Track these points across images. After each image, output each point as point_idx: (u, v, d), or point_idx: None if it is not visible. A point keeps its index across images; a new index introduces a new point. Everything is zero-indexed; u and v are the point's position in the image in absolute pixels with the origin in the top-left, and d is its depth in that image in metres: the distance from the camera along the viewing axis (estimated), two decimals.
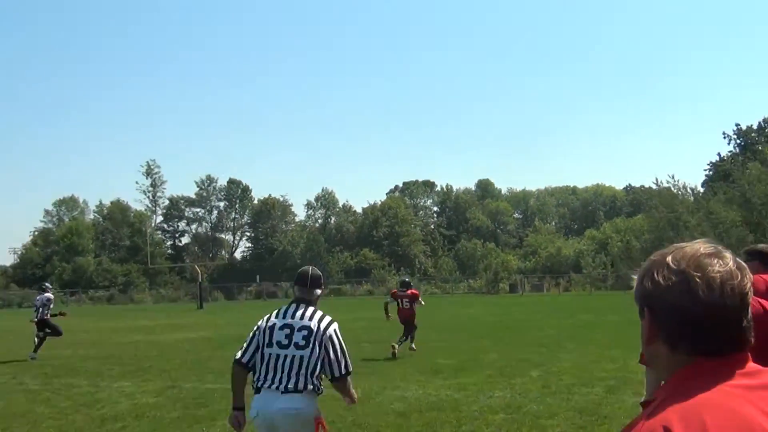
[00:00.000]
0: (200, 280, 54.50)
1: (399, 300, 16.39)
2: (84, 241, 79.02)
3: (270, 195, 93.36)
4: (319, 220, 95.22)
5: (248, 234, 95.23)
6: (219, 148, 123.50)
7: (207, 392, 11.69)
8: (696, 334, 1.37)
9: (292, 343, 4.86)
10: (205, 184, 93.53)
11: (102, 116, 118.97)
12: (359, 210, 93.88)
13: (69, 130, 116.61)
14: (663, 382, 1.44)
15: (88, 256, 77.34)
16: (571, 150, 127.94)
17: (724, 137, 73.22)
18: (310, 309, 5.02)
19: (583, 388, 10.94)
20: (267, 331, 4.94)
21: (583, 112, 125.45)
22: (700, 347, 1.37)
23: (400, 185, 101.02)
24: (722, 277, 1.36)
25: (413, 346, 16.09)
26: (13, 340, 23.82)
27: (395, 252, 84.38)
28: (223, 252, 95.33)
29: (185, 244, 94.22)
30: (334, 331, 4.98)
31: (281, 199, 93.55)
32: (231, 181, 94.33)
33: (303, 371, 4.79)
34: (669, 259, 1.41)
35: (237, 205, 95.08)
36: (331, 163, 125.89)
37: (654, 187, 72.83)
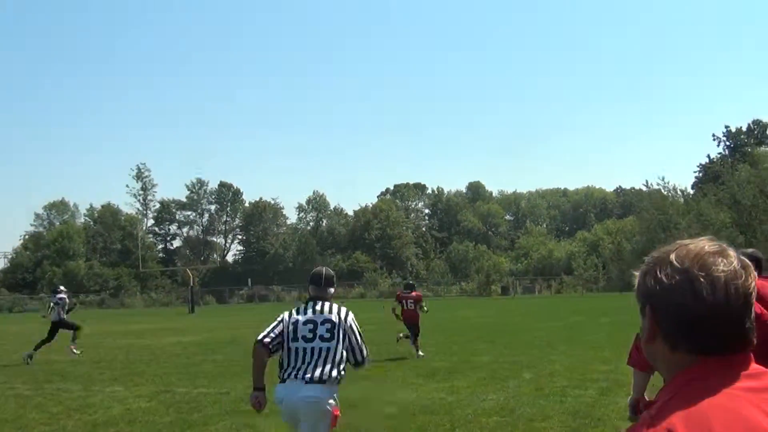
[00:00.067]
0: (192, 283, 54.33)
1: (404, 301, 16.90)
2: (75, 245, 78.72)
3: (261, 198, 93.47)
4: (311, 223, 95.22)
5: (240, 237, 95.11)
6: (210, 151, 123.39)
7: (199, 396, 11.64)
8: (698, 333, 1.34)
9: (317, 336, 5.22)
10: (196, 188, 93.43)
11: (92, 120, 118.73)
12: (351, 213, 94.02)
13: (59, 134, 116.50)
14: (665, 382, 1.41)
15: (79, 260, 77.02)
16: (561, 152, 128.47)
17: (714, 139, 73.74)
18: (327, 304, 5.41)
19: (576, 390, 10.95)
20: (291, 327, 5.28)
21: (574, 114, 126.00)
22: (701, 347, 1.35)
23: (391, 188, 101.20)
24: (726, 276, 1.33)
25: (420, 353, 16.24)
26: (4, 344, 23.62)
27: (387, 254, 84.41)
28: (215, 255, 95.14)
29: (176, 247, 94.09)
30: (353, 319, 5.41)
31: (272, 202, 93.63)
32: (222, 184, 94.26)
33: (330, 362, 5.15)
34: (672, 257, 1.38)
35: (228, 208, 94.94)
36: (322, 166, 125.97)
37: (644, 189, 73.22)
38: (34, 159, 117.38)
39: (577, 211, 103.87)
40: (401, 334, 16.96)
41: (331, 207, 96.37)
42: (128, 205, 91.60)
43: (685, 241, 1.43)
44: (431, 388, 11.83)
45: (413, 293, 17.08)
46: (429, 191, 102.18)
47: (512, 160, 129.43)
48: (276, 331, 5.32)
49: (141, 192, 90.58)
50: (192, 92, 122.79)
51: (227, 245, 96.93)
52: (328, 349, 5.18)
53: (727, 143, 73.39)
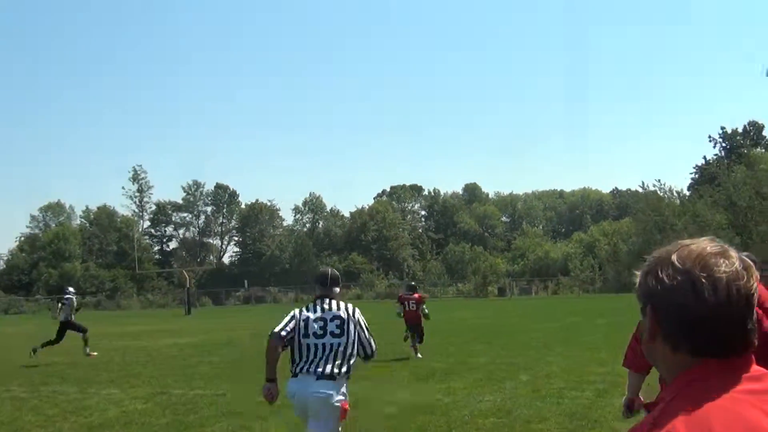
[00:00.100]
0: (188, 285, 54.24)
1: (406, 302, 17.23)
2: (71, 247, 78.59)
3: (257, 200, 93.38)
4: (307, 225, 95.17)
5: (236, 239, 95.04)
6: (206, 152, 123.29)
7: (196, 398, 11.63)
8: (699, 334, 1.33)
9: (328, 332, 5.45)
10: (192, 189, 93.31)
11: (88, 121, 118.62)
12: (347, 214, 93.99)
13: (55, 136, 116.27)
14: (666, 382, 1.40)
15: (75, 262, 76.88)
16: (557, 154, 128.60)
17: (710, 141, 73.88)
18: (335, 301, 5.66)
19: (573, 391, 10.95)
20: (302, 323, 5.49)
21: (570, 116, 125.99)
22: (703, 348, 1.34)
23: (388, 189, 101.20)
24: (728, 277, 1.32)
25: (419, 355, 16.41)
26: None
27: (383, 256, 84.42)
28: (211, 257, 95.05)
29: (173, 249, 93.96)
30: (360, 315, 5.69)
31: (269, 203, 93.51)
32: (218, 186, 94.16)
33: (340, 357, 5.40)
34: (674, 257, 1.37)
35: (224, 210, 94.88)
36: (318, 167, 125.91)
37: (640, 190, 73.43)
38: (30, 161, 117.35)
39: (573, 212, 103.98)
40: (411, 343, 16.97)
41: (328, 208, 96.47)
42: (124, 207, 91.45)
43: (686, 242, 1.42)
44: (428, 388, 11.84)
45: (415, 294, 17.41)
46: (425, 192, 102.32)
47: (508, 161, 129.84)
48: (290, 326, 5.50)
49: (137, 194, 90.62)
50: (188, 94, 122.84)
51: (223, 247, 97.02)
52: (339, 344, 5.42)
53: (723, 145, 73.55)
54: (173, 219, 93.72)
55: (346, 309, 5.62)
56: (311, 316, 5.52)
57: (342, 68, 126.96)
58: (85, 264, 77.59)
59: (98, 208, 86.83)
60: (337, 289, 5.79)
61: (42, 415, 10.72)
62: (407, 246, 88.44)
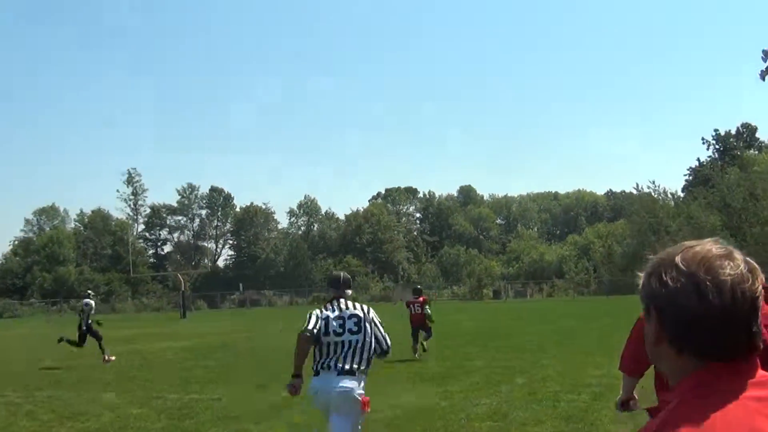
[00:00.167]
0: (183, 288, 54.19)
1: (411, 306, 18.03)
2: (65, 251, 78.41)
3: (252, 203, 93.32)
4: (302, 228, 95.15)
5: (231, 242, 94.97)
6: (200, 155, 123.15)
7: (191, 403, 11.60)
8: (704, 338, 1.31)
9: (346, 330, 5.78)
10: (187, 192, 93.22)
11: (82, 124, 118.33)
12: (342, 217, 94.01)
13: (49, 139, 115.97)
14: (670, 385, 1.39)
15: (70, 266, 76.70)
16: (552, 156, 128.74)
17: (704, 143, 74.03)
18: (350, 302, 6.02)
19: (568, 394, 10.95)
20: (322, 323, 5.79)
21: (564, 118, 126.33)
22: (708, 351, 1.32)
23: (383, 192, 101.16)
24: (733, 280, 1.29)
25: (417, 355, 17.08)
26: None
27: (378, 259, 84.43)
28: (206, 260, 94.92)
29: (167, 252, 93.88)
30: (374, 314, 6.00)
31: (263, 206, 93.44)
32: (213, 189, 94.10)
33: (358, 353, 5.73)
34: (678, 259, 1.34)
35: (219, 213, 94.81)
36: (313, 170, 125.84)
37: (635, 192, 73.61)
38: (24, 164, 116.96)
39: (568, 214, 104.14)
40: (423, 345, 17.66)
41: (323, 211, 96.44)
42: (119, 210, 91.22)
43: (690, 243, 1.39)
44: (425, 392, 11.83)
45: (420, 298, 18.18)
46: (420, 195, 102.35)
47: (503, 164, 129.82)
48: (318, 324, 5.79)
49: (132, 197, 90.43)
50: (183, 97, 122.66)
51: (218, 250, 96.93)
52: (357, 341, 5.75)
53: (717, 147, 73.74)
54: (168, 222, 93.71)
55: (362, 308, 5.97)
56: (330, 315, 5.84)
57: (337, 71, 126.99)
58: (79, 268, 77.41)
59: (93, 211, 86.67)
60: (350, 291, 6.15)
61: (37, 420, 10.68)
62: (402, 249, 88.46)
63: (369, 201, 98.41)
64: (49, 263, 75.77)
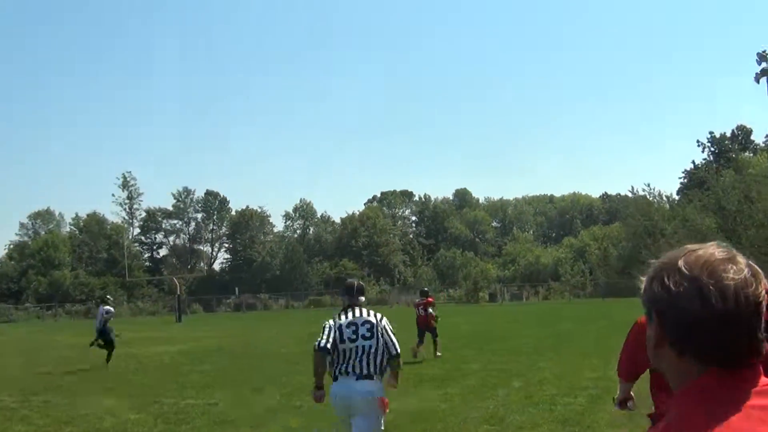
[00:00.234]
0: (179, 292, 54.06)
1: (418, 308, 18.62)
2: (60, 255, 78.19)
3: (248, 206, 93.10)
4: (298, 231, 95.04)
5: (226, 245, 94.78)
6: (196, 159, 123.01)
7: (188, 407, 11.57)
8: (706, 343, 1.29)
9: (360, 336, 6.07)
10: (182, 196, 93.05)
11: (77, 128, 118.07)
12: (337, 220, 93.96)
13: (44, 142, 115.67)
14: (672, 389, 1.37)
15: (65, 270, 76.47)
16: (547, 159, 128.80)
17: (698, 145, 74.18)
18: (363, 309, 6.29)
19: (565, 398, 10.96)
20: (337, 332, 6.07)
21: (560, 121, 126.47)
22: (710, 356, 1.30)
23: (378, 195, 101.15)
24: (736, 284, 1.28)
25: (416, 357, 17.35)
26: None
27: (374, 262, 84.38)
28: (202, 264, 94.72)
29: (163, 256, 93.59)
30: (386, 321, 6.28)
31: (259, 210, 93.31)
32: (208, 193, 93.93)
33: (372, 357, 6.02)
34: (681, 263, 1.32)
35: (215, 217, 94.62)
36: (308, 173, 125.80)
37: (630, 195, 73.67)
38: (19, 168, 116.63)
39: (563, 217, 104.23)
40: (436, 338, 18.08)
41: (318, 215, 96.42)
42: (114, 214, 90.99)
43: (693, 247, 1.37)
44: (423, 395, 11.83)
45: (426, 300, 18.69)
46: (416, 198, 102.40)
47: (499, 166, 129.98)
48: (331, 337, 6.07)
49: (127, 201, 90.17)
50: (178, 100, 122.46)
51: (214, 254, 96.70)
52: (370, 346, 6.05)
53: (712, 149, 73.90)
54: (163, 226, 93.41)
55: (375, 315, 6.28)
56: (343, 323, 6.14)
57: (332, 74, 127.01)
58: (74, 272, 77.17)
59: (88, 215, 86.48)
60: (362, 298, 6.44)
61: (32, 425, 10.66)
62: (398, 252, 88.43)
63: (365, 204, 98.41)
64: (44, 267, 75.55)
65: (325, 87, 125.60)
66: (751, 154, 70.28)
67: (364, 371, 5.99)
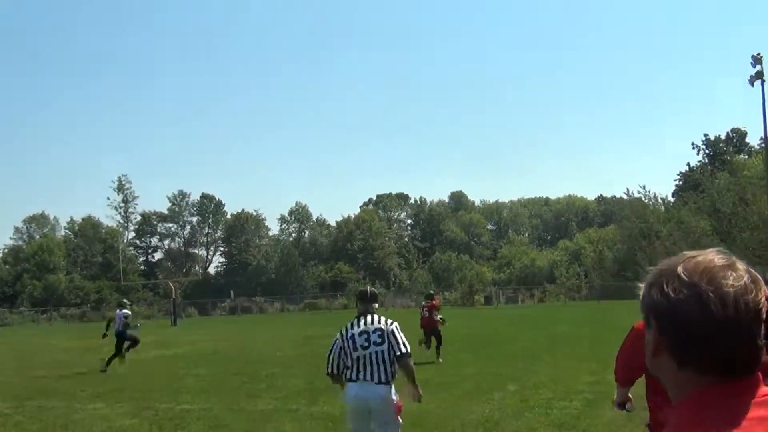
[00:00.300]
0: (174, 296, 53.97)
1: (423, 310, 18.86)
2: (55, 259, 78.05)
3: (243, 209, 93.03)
4: (293, 234, 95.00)
5: (222, 249, 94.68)
6: (191, 163, 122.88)
7: (182, 413, 11.52)
8: (706, 350, 1.27)
9: (372, 343, 6.28)
10: (178, 200, 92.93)
11: (72, 131, 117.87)
12: (333, 223, 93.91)
13: (39, 146, 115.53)
14: (671, 397, 1.35)
15: (60, 274, 76.32)
16: (543, 161, 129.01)
17: (693, 147, 74.29)
18: (375, 316, 6.48)
19: (561, 402, 10.94)
20: (350, 341, 6.30)
21: (555, 123, 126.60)
22: (709, 364, 1.28)
23: (374, 198, 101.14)
24: (736, 291, 1.26)
25: (440, 359, 17.55)
26: None
27: (370, 265, 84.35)
28: (197, 267, 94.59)
29: (158, 259, 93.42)
30: (396, 325, 6.46)
31: (254, 213, 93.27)
32: (204, 196, 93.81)
33: (387, 363, 6.23)
34: (680, 269, 1.31)
35: (210, 220, 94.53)
36: (304, 177, 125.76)
37: (625, 197, 73.91)
38: (14, 172, 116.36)
39: (558, 220, 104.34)
40: (440, 347, 18.07)
41: (314, 218, 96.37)
42: (109, 218, 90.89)
43: (692, 253, 1.35)
44: (424, 398, 11.77)
45: (431, 302, 18.98)
46: (411, 201, 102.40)
47: (494, 169, 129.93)
48: (335, 356, 6.37)
49: (122, 204, 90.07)
50: (173, 104, 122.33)
51: (209, 257, 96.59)
52: (382, 352, 6.25)
53: (707, 151, 74.01)
54: (159, 229, 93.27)
55: (386, 322, 6.43)
56: (356, 331, 6.34)
57: (328, 78, 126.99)
58: (69, 276, 77.03)
59: (83, 219, 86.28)
60: (377, 304, 6.65)
61: (26, 431, 10.60)
62: (393, 255, 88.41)
63: (360, 207, 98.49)
64: (39, 271, 75.40)
65: (321, 91, 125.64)
66: (746, 157, 70.41)
67: (382, 378, 6.19)
